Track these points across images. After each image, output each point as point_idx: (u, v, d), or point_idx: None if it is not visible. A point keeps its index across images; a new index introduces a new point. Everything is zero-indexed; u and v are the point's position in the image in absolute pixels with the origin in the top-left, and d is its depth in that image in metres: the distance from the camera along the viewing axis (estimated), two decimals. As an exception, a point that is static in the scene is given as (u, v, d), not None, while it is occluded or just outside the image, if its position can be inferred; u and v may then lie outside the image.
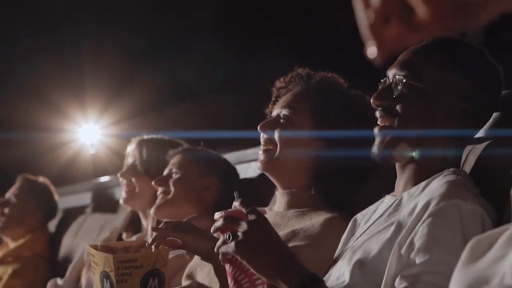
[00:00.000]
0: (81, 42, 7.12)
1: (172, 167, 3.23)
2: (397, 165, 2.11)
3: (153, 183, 3.25)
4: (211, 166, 3.23)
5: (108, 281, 2.30)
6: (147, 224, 3.52)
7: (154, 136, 3.65)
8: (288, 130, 2.57)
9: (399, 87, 2.05)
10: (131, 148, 3.65)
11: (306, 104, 2.59)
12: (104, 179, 5.26)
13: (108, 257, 2.29)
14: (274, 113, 2.63)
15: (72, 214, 5.10)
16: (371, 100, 2.10)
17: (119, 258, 2.28)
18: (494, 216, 1.89)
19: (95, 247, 2.36)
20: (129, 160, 3.64)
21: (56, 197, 4.80)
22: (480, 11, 1.00)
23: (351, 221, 2.25)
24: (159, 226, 2.41)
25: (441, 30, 1.02)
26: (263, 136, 2.63)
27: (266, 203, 3.02)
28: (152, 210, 3.23)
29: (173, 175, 3.20)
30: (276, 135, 2.57)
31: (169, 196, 3.19)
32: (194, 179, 3.20)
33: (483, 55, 2.09)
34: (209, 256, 2.34)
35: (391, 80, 2.08)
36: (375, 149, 2.09)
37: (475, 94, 2.04)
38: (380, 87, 2.11)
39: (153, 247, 2.35)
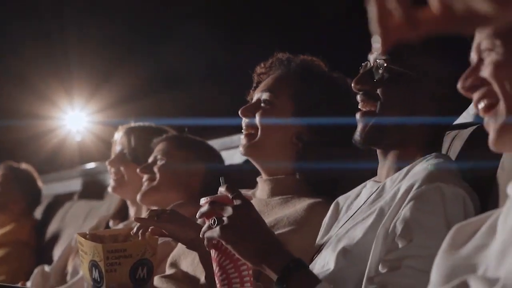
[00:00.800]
0: (67, 29, 7.10)
1: (157, 154, 3.23)
2: (379, 151, 2.12)
3: (138, 170, 3.25)
4: (196, 152, 3.23)
5: (97, 270, 2.29)
6: (135, 212, 3.53)
7: (142, 123, 3.65)
8: (269, 114, 2.57)
9: (380, 71, 2.05)
10: (118, 136, 3.65)
11: (287, 88, 2.59)
12: (91, 165, 5.26)
13: (97, 246, 2.28)
14: (254, 98, 2.63)
15: (61, 201, 5.09)
16: (352, 84, 2.10)
17: (108, 248, 2.28)
18: (477, 199, 1.90)
19: (83, 236, 2.36)
20: (117, 148, 3.64)
21: (40, 183, 4.79)
22: (487, 23, 1.02)
23: (333, 204, 2.25)
24: (143, 216, 2.41)
25: (442, 29, 1.04)
26: (244, 121, 2.64)
27: (251, 189, 3.03)
28: (138, 197, 3.23)
29: (158, 162, 3.20)
30: (257, 119, 2.57)
31: (154, 183, 3.20)
32: (179, 166, 3.20)
33: (465, 40, 2.10)
34: (194, 245, 2.33)
35: (372, 64, 2.09)
36: (357, 135, 2.09)
37: (456, 79, 2.05)
38: (361, 71, 2.11)
39: (140, 235, 2.35)
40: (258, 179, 2.68)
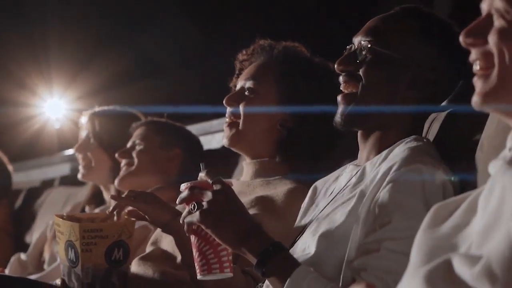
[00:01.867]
0: (46, 16, 7.06)
1: (135, 139, 3.22)
2: (359, 134, 2.12)
3: (116, 155, 3.24)
4: (174, 137, 3.23)
5: (72, 250, 2.29)
6: (109, 196, 3.51)
7: (106, 108, 3.63)
8: (253, 103, 2.57)
9: (364, 53, 2.05)
10: (84, 121, 3.63)
11: (270, 75, 2.59)
12: (70, 152, 5.24)
13: (74, 225, 2.28)
14: (238, 86, 2.63)
15: (40, 188, 5.07)
16: (335, 65, 2.10)
17: (84, 227, 2.28)
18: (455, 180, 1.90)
19: (61, 217, 2.36)
20: (82, 134, 3.63)
21: (10, 168, 4.73)
22: None
23: (311, 188, 2.26)
24: (121, 196, 2.41)
25: None
26: (228, 110, 2.62)
27: (231, 174, 3.03)
28: (116, 182, 3.22)
29: (136, 147, 3.19)
30: (241, 109, 2.57)
31: (133, 168, 3.19)
32: (157, 151, 3.19)
33: (451, 27, 2.10)
34: (169, 228, 2.33)
35: (356, 47, 2.08)
36: (338, 117, 2.09)
37: (440, 65, 2.05)
38: (345, 53, 2.11)
39: (115, 214, 2.35)
40: (243, 163, 2.68)
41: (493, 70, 1.30)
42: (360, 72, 2.05)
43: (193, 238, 1.95)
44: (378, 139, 2.07)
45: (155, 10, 6.86)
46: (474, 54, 1.33)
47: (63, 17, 6.97)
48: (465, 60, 2.09)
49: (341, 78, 2.10)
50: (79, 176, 3.64)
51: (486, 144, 1.88)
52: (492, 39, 1.30)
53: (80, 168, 3.61)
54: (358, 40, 2.08)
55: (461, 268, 1.20)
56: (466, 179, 1.90)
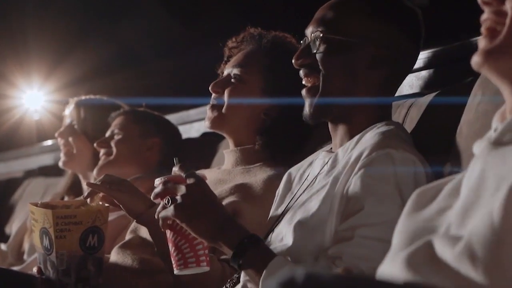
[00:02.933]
0: (25, 7, 7.03)
1: (114, 128, 3.23)
2: (329, 124, 2.13)
3: (95, 144, 3.25)
4: (153, 126, 3.23)
5: (47, 237, 2.29)
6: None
7: (92, 97, 3.64)
8: (238, 90, 2.58)
9: (317, 43, 2.06)
10: (69, 109, 3.64)
11: (257, 63, 2.60)
12: (49, 142, 5.23)
13: (47, 212, 2.28)
14: (225, 73, 2.64)
15: (19, 178, 5.07)
16: (293, 61, 2.11)
17: (58, 214, 2.28)
18: (426, 164, 1.91)
19: (35, 204, 2.36)
20: (67, 121, 3.63)
21: None
22: None
23: (285, 175, 2.26)
24: (95, 182, 2.40)
25: None
26: (213, 96, 2.63)
27: (208, 163, 3.04)
28: (94, 171, 3.22)
29: (115, 136, 3.20)
30: (226, 95, 2.58)
31: (111, 157, 3.19)
32: (136, 140, 3.19)
33: (399, 1, 2.12)
34: (143, 219, 2.33)
35: (309, 39, 2.09)
36: (305, 111, 2.10)
37: (395, 40, 2.05)
38: (300, 47, 2.12)
39: (89, 201, 2.34)
40: (224, 151, 2.68)
41: (501, 34, 1.28)
42: (319, 63, 2.06)
43: (168, 233, 1.96)
44: (348, 125, 2.08)
45: (134, 1, 6.85)
46: (486, 13, 1.31)
47: (42, 9, 6.95)
48: (419, 29, 2.11)
49: (301, 73, 2.12)
50: (60, 163, 3.64)
51: (465, 129, 1.89)
52: (509, 5, 1.28)
53: (61, 155, 3.61)
54: (310, 32, 2.08)
55: (442, 248, 1.19)
56: (444, 163, 1.92)
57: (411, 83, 2.41)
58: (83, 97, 3.64)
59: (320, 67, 2.06)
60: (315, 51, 2.07)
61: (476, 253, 1.14)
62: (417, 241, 1.25)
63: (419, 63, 2.28)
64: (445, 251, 1.19)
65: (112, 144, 3.20)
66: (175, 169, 1.95)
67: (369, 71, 2.05)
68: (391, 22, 2.06)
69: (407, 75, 2.16)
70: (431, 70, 2.36)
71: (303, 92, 2.11)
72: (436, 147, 1.98)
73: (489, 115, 1.67)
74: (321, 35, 2.05)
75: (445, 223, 1.27)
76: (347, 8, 2.08)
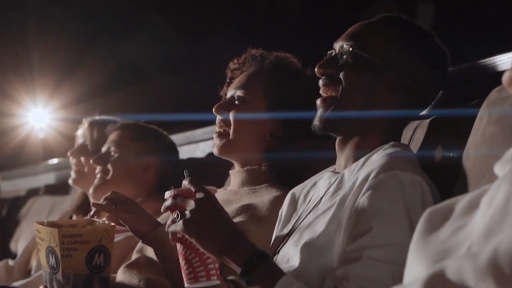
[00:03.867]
0: (28, 23, 7.06)
1: (110, 145, 3.23)
2: (338, 140, 2.12)
3: (91, 161, 3.25)
4: (151, 144, 3.22)
5: (53, 256, 2.29)
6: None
7: (105, 117, 3.66)
8: (243, 111, 2.59)
9: (345, 56, 2.07)
10: (82, 129, 3.67)
11: (260, 85, 2.60)
12: (55, 161, 5.25)
13: (53, 231, 2.27)
14: (228, 95, 2.64)
15: (25, 197, 5.08)
16: (316, 69, 2.11)
17: (63, 232, 2.27)
18: (433, 186, 1.91)
19: (41, 223, 2.36)
20: (79, 141, 3.66)
21: None
22: None
23: (289, 195, 2.26)
24: (100, 202, 2.40)
25: None
26: (218, 118, 2.64)
27: (214, 182, 3.04)
28: (91, 190, 3.23)
29: (112, 153, 3.20)
30: (231, 117, 2.59)
31: (108, 177, 3.20)
32: (133, 159, 3.19)
33: (432, 37, 2.13)
34: (148, 239, 2.32)
35: (337, 51, 2.10)
36: (316, 121, 2.11)
37: (420, 72, 2.07)
38: (325, 57, 2.12)
39: (95, 220, 2.35)
40: (230, 171, 2.69)
41: None
42: (341, 76, 2.07)
43: (178, 246, 1.94)
44: (356, 145, 2.08)
45: (138, 16, 6.87)
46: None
47: (46, 27, 6.97)
48: (445, 69, 2.13)
49: (320, 82, 2.11)
50: (70, 181, 3.66)
51: (471, 152, 1.88)
52: None
53: (72, 173, 3.64)
54: (340, 45, 2.09)
55: (461, 265, 1.13)
56: (452, 185, 1.91)
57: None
58: (96, 117, 3.66)
59: (342, 79, 2.07)
60: (340, 63, 2.08)
61: (501, 268, 1.06)
62: (436, 265, 1.20)
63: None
64: (466, 267, 1.12)
65: (109, 165, 3.20)
66: (185, 183, 1.94)
67: (387, 95, 2.06)
68: (418, 53, 2.08)
69: (424, 108, 2.16)
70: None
71: (318, 101, 2.11)
72: (442, 169, 1.98)
73: (496, 138, 1.67)
74: (351, 49, 2.07)
75: (466, 241, 1.24)
76: (380, 30, 2.10)
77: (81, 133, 3.67)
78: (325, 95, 2.10)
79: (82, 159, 3.60)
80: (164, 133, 3.31)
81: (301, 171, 2.52)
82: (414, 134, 2.18)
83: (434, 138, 2.11)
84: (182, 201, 1.90)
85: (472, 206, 1.30)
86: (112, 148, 3.20)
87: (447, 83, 2.16)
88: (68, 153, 3.67)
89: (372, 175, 1.89)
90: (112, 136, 3.24)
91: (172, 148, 3.28)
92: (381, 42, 2.08)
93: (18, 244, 4.39)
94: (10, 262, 3.77)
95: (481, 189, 1.30)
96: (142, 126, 3.29)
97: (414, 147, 2.13)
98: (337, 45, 2.11)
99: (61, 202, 4.39)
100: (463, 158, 1.91)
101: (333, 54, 2.11)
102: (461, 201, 1.33)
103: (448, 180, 1.93)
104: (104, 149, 3.25)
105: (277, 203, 2.41)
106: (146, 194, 3.14)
